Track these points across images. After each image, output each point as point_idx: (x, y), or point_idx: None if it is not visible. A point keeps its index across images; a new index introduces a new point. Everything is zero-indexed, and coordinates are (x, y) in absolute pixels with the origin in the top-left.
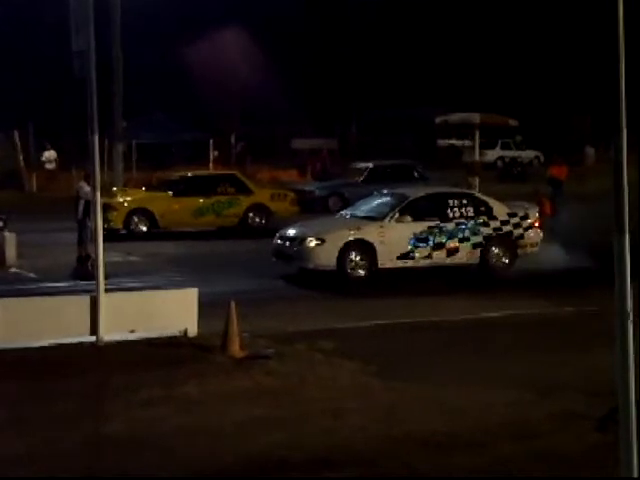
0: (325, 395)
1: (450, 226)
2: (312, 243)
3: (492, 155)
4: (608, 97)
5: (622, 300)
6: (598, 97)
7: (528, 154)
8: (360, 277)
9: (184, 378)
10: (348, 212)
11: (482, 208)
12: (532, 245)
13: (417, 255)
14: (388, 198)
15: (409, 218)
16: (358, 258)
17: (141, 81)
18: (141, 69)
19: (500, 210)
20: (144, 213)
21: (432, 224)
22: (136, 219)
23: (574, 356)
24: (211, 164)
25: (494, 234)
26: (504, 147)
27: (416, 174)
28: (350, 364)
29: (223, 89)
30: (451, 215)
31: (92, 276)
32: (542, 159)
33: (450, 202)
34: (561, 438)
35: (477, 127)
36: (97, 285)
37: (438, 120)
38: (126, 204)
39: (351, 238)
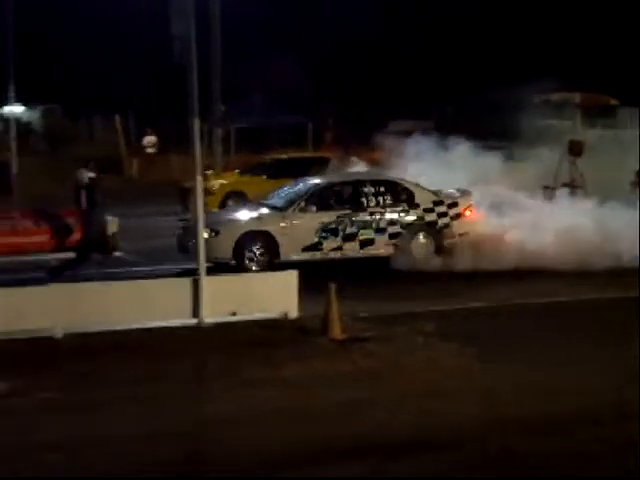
0: (424, 377)
1: (363, 215)
2: (205, 234)
3: (592, 135)
4: None
5: None
6: None
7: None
8: (259, 271)
9: (285, 360)
10: (265, 201)
11: (403, 196)
12: (461, 235)
13: (325, 247)
14: (300, 186)
15: (314, 208)
16: (257, 250)
17: (241, 64)
18: (240, 52)
19: (423, 198)
20: (239, 196)
21: (342, 213)
22: (231, 202)
23: None
24: (308, 147)
25: (415, 223)
26: (605, 127)
27: (507, 155)
28: (449, 346)
29: (320, 70)
30: (365, 204)
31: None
32: None
33: (365, 190)
34: None
35: (578, 107)
36: (199, 268)
37: (537, 100)
38: (221, 187)
39: (248, 229)
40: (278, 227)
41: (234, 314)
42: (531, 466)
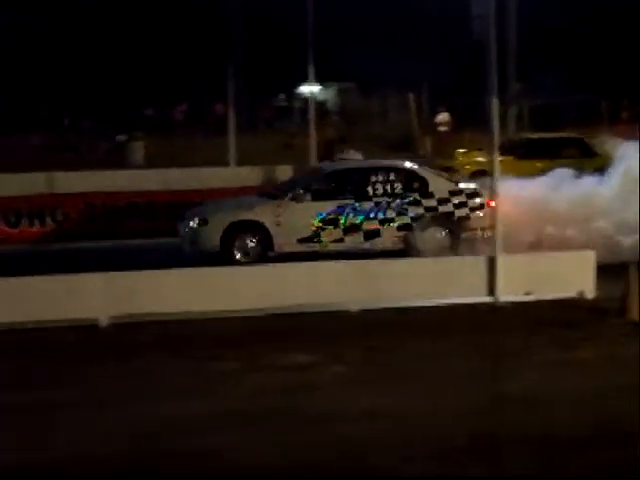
0: None
1: (367, 205)
2: (195, 224)
3: None
4: None
5: None
6: None
7: None
8: (249, 263)
9: (581, 341)
10: (273, 190)
11: (415, 184)
12: (482, 228)
13: (324, 239)
14: (303, 174)
15: (309, 197)
16: (248, 241)
17: (535, 42)
18: (535, 29)
19: (439, 186)
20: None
21: (342, 203)
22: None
23: None
24: (602, 126)
25: (427, 215)
26: None
27: None
28: None
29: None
30: (371, 192)
31: None
32: None
33: (372, 178)
34: None
35: None
36: (495, 247)
37: None
38: (467, 167)
39: (236, 218)
40: (270, 217)
41: (529, 293)
42: None
